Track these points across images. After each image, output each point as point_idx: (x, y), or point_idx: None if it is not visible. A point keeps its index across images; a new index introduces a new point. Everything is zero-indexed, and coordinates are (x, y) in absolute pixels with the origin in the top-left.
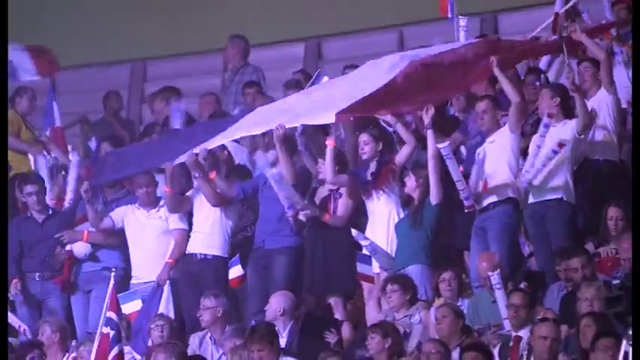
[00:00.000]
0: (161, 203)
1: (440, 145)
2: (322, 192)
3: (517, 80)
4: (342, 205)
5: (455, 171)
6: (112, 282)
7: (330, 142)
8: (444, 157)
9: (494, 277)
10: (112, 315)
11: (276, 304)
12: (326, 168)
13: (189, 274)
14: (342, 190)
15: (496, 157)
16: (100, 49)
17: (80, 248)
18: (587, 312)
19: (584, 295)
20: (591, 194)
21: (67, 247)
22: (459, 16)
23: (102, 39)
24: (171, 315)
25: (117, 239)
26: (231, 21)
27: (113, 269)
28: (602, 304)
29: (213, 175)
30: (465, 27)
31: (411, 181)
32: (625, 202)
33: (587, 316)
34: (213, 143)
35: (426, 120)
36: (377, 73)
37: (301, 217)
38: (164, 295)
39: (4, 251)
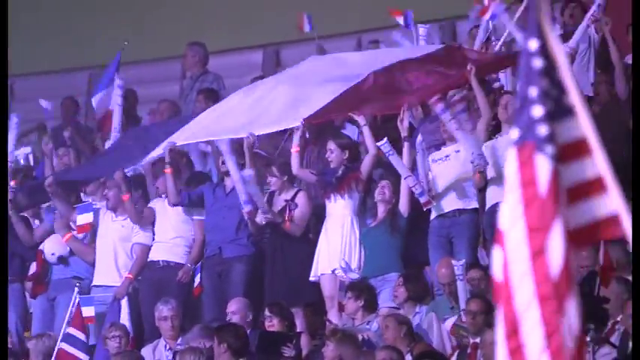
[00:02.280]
0: None
1: (379, 143)
2: (278, 202)
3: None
4: (299, 214)
5: (401, 167)
6: (77, 298)
7: (295, 149)
8: (386, 154)
9: (458, 268)
10: (74, 332)
11: (240, 310)
12: (292, 163)
13: (151, 281)
14: (298, 200)
15: (459, 167)
16: (59, 55)
17: (50, 248)
18: None
19: None
20: None
21: (40, 247)
22: (419, 25)
23: (61, 45)
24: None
25: (93, 256)
26: (189, 28)
27: (77, 283)
28: None
29: (169, 170)
30: (425, 36)
31: (387, 190)
32: None
33: None
34: (179, 140)
35: (403, 132)
36: (341, 74)
37: (260, 219)
38: (123, 309)
39: (4, 251)
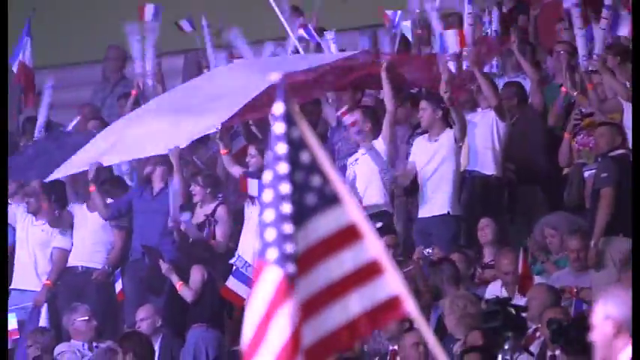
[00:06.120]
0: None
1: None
2: (199, 214)
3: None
4: (221, 231)
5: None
6: None
7: (223, 152)
8: None
9: None
10: None
11: (149, 317)
12: (225, 163)
13: (70, 287)
14: (218, 216)
15: (368, 169)
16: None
17: None
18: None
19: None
20: (468, 207)
21: None
22: (326, 31)
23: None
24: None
25: None
26: (110, 32)
27: None
28: (457, 317)
29: (92, 188)
30: (335, 39)
31: None
32: (497, 216)
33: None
34: (106, 160)
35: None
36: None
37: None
38: (42, 316)
39: (4, 251)
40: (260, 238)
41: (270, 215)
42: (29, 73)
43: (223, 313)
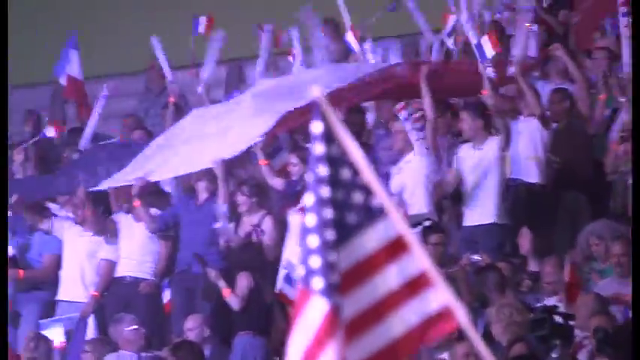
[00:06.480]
0: None
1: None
2: (245, 224)
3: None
4: (268, 240)
5: None
6: None
7: (263, 163)
8: None
9: None
10: None
11: (196, 327)
12: (264, 174)
13: (119, 297)
14: (265, 226)
15: (413, 177)
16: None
17: None
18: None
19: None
20: (513, 215)
21: None
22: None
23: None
24: None
25: (54, 276)
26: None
27: None
28: (504, 325)
29: (137, 203)
30: (372, 50)
31: None
32: (541, 224)
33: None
34: (152, 177)
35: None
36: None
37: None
38: (89, 327)
39: (4, 251)
40: (304, 264)
41: (314, 241)
42: (79, 87)
43: (270, 320)
